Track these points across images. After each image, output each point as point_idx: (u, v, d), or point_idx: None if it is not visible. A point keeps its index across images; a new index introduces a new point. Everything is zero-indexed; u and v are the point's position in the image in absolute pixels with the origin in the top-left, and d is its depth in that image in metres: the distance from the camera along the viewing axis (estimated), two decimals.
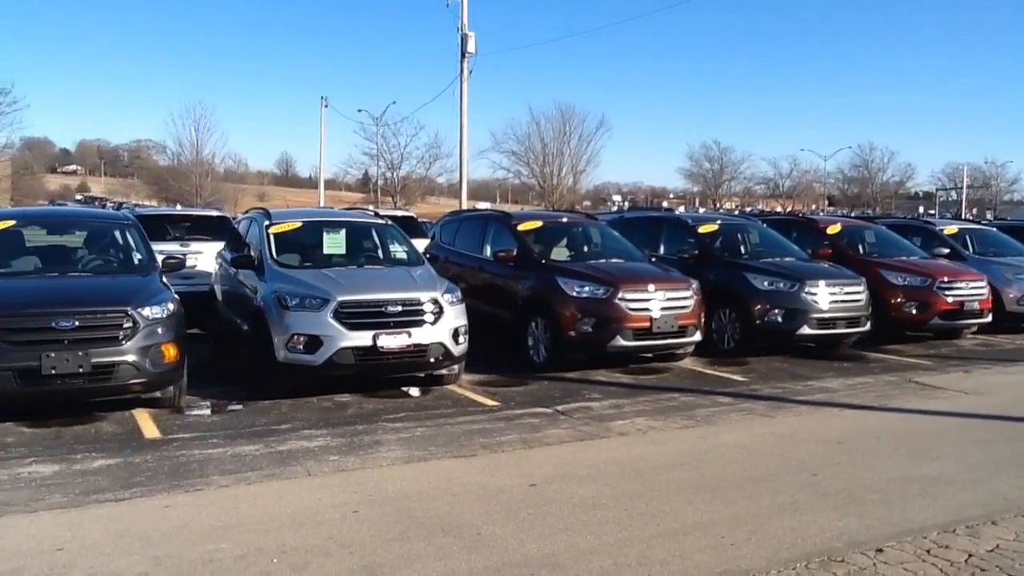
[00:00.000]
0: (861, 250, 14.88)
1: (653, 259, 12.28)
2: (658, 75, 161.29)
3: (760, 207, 72.12)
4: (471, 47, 28.03)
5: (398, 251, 10.98)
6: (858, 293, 12.35)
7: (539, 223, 12.68)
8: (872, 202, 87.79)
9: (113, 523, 5.40)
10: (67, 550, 4.93)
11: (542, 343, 10.78)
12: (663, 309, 10.64)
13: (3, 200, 51.37)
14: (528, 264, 11.37)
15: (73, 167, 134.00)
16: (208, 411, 8.46)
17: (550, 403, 8.95)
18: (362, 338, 8.70)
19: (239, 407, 8.57)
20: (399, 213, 20.68)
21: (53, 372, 7.34)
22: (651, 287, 10.76)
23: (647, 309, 10.56)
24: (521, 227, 12.17)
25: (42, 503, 5.74)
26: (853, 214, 53.42)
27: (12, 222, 9.57)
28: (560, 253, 12.26)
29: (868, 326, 12.45)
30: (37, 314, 7.56)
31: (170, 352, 7.94)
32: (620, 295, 10.49)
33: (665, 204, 77.59)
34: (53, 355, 7.34)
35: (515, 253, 11.51)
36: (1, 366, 7.24)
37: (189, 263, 11.64)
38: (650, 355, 11.36)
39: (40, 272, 8.89)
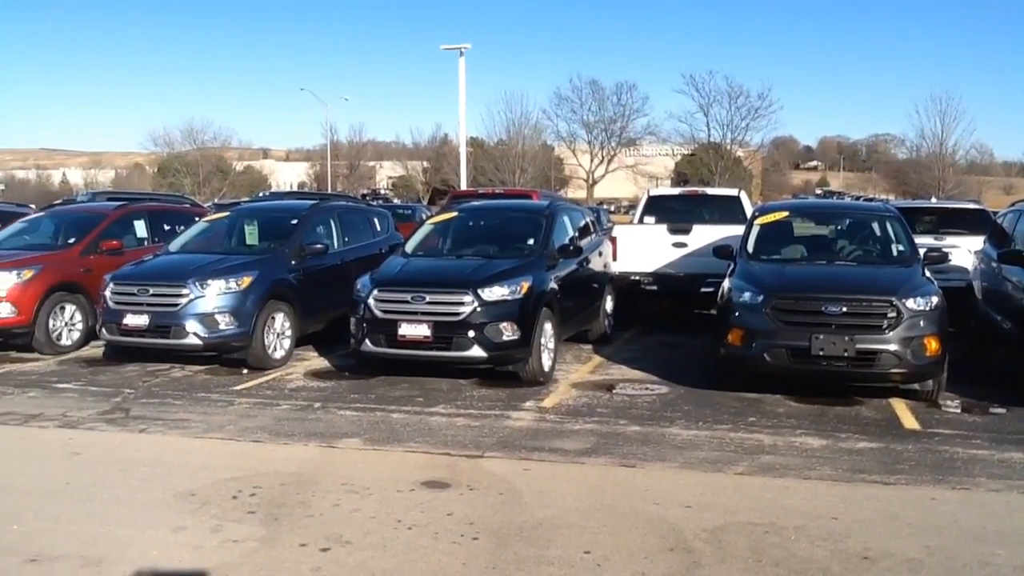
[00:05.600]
0: None
1: None
2: None
3: None
4: None
5: None
6: None
7: None
8: None
9: (881, 504, 5.59)
10: (841, 521, 5.27)
11: None
12: None
13: (755, 194, 56.37)
14: None
15: (814, 163, 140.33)
16: (963, 410, 8.16)
17: None
18: None
19: (1001, 411, 8.07)
20: None
21: (820, 353, 7.86)
22: None
23: None
24: None
25: (814, 472, 6.22)
26: None
27: (785, 214, 10.50)
28: None
29: None
30: (809, 298, 8.17)
31: (932, 345, 7.87)
32: None
33: None
34: (821, 337, 7.86)
35: None
36: (777, 343, 8.02)
37: None
38: None
39: (807, 260, 9.59)
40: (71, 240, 11.92)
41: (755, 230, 9.90)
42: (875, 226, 10.28)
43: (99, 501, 5.68)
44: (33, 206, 18.04)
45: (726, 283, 8.92)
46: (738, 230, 10.62)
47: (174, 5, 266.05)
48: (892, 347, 7.80)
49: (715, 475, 6.17)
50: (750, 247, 9.60)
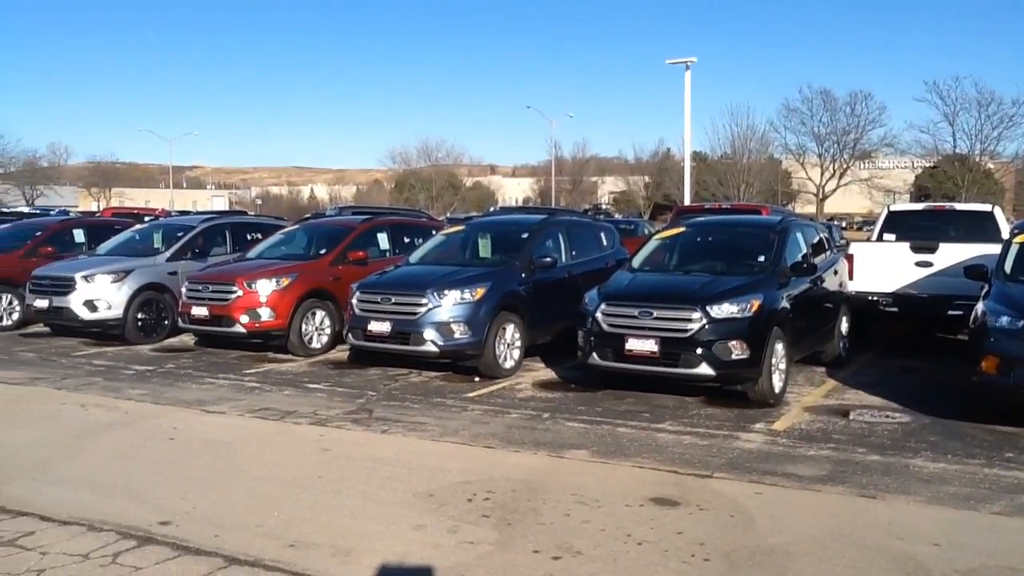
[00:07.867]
0: None
1: None
2: None
3: None
4: None
5: None
6: None
7: None
8: None
9: None
10: None
11: None
12: None
13: (1007, 210, 51.76)
14: None
15: None
16: None
17: None
18: None
19: None
20: None
21: None
22: None
23: None
24: None
25: None
26: None
27: None
28: None
29: None
30: None
31: None
32: None
33: None
34: None
35: None
36: None
37: None
38: None
39: None
40: (322, 251, 12.90)
41: (1013, 249, 9.12)
42: None
43: (347, 495, 6.10)
44: (287, 219, 19.66)
45: (980, 306, 8.27)
46: (991, 249, 9.86)
47: (412, 33, 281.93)
48: None
49: (967, 512, 5.73)
50: (1008, 267, 8.86)
